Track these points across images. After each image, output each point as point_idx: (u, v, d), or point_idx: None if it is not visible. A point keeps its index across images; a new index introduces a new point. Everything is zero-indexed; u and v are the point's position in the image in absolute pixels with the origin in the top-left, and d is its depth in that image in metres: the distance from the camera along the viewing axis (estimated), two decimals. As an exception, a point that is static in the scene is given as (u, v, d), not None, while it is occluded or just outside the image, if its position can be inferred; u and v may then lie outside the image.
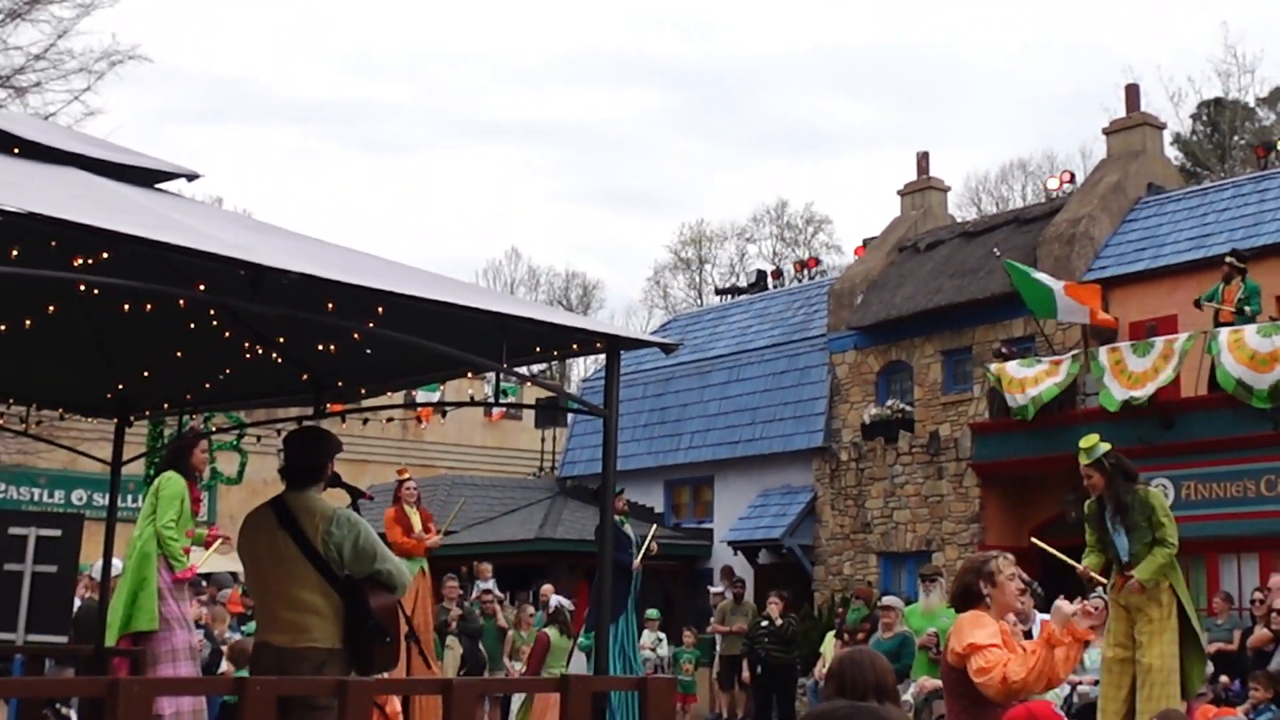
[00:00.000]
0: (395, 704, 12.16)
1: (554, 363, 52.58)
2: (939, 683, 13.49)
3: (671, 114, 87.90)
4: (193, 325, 8.34)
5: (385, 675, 7.73)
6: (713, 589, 25.93)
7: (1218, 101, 49.82)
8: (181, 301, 7.24)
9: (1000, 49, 79.62)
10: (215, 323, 8.43)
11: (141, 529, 10.93)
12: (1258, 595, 17.25)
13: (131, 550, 10.90)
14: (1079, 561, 11.44)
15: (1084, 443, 11.31)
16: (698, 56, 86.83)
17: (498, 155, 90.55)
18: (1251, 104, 50.17)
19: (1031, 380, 22.09)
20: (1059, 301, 21.92)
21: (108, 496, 10.67)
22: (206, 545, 11.83)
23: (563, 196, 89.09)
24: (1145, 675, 10.92)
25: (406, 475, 15.79)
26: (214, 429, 15.44)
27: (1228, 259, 20.59)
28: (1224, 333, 19.70)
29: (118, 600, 10.73)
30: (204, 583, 22.22)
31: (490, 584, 22.19)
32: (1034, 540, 11.87)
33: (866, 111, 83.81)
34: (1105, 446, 11.24)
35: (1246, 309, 19.98)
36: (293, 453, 7.60)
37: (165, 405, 10.70)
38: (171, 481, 11.02)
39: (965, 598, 7.50)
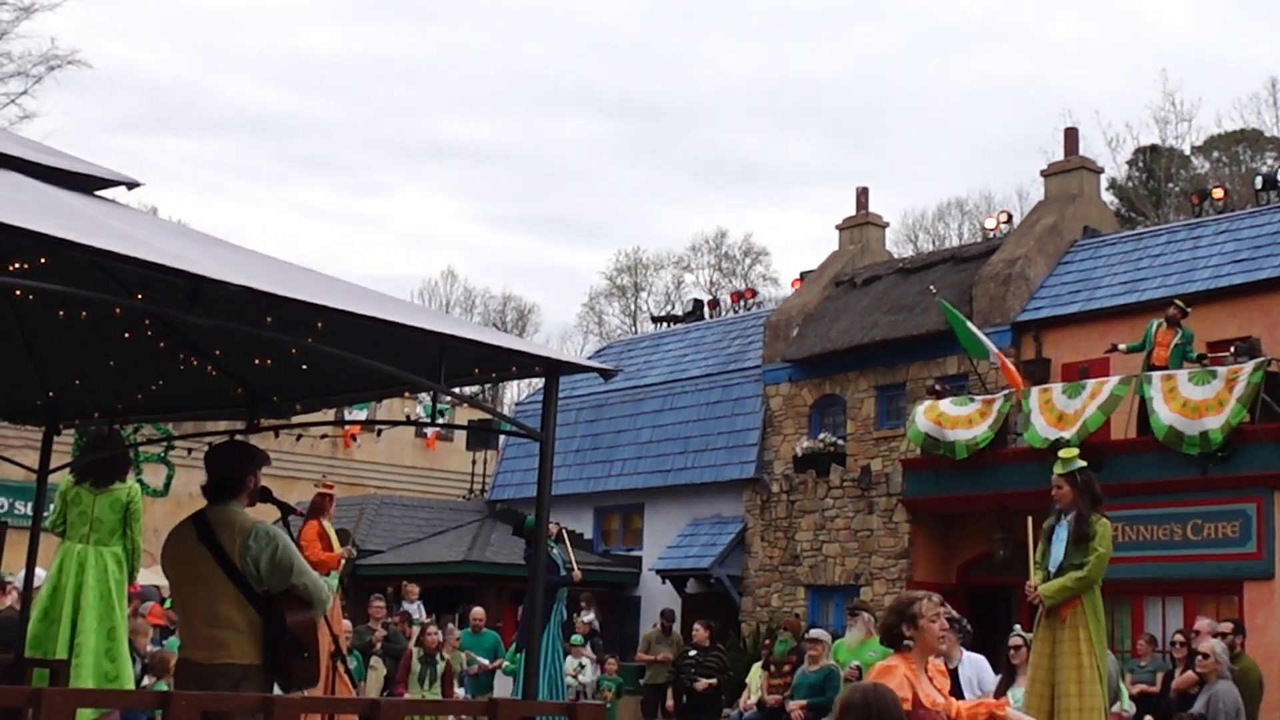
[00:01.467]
0: None
1: (489, 386, 52.47)
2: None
3: (614, 143, 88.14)
4: (128, 334, 8.25)
5: (305, 693, 7.65)
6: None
7: (1154, 148, 50.37)
8: (117, 310, 7.17)
9: (943, 91, 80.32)
10: (150, 332, 8.35)
11: (99, 553, 10.75)
12: (1179, 637, 17.38)
13: (84, 572, 10.68)
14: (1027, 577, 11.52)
15: (1064, 454, 11.48)
16: (644, 88, 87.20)
17: (438, 177, 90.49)
18: (1187, 152, 50.78)
19: (965, 420, 22.22)
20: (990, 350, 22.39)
21: (31, 505, 10.53)
22: None
23: (502, 220, 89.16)
24: (1061, 705, 10.96)
25: (331, 489, 15.70)
26: (142, 440, 15.29)
27: (1175, 302, 20.89)
28: (1157, 380, 19.89)
29: (89, 624, 10.54)
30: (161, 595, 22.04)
31: (415, 605, 22.06)
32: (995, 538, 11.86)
33: (808, 147, 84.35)
34: (1081, 463, 11.40)
35: (1186, 359, 20.34)
36: (214, 466, 7.52)
37: (96, 414, 10.57)
38: (139, 493, 10.90)
39: (889, 638, 7.50)
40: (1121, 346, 21.21)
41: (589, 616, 22.48)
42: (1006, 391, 22.35)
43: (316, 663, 7.42)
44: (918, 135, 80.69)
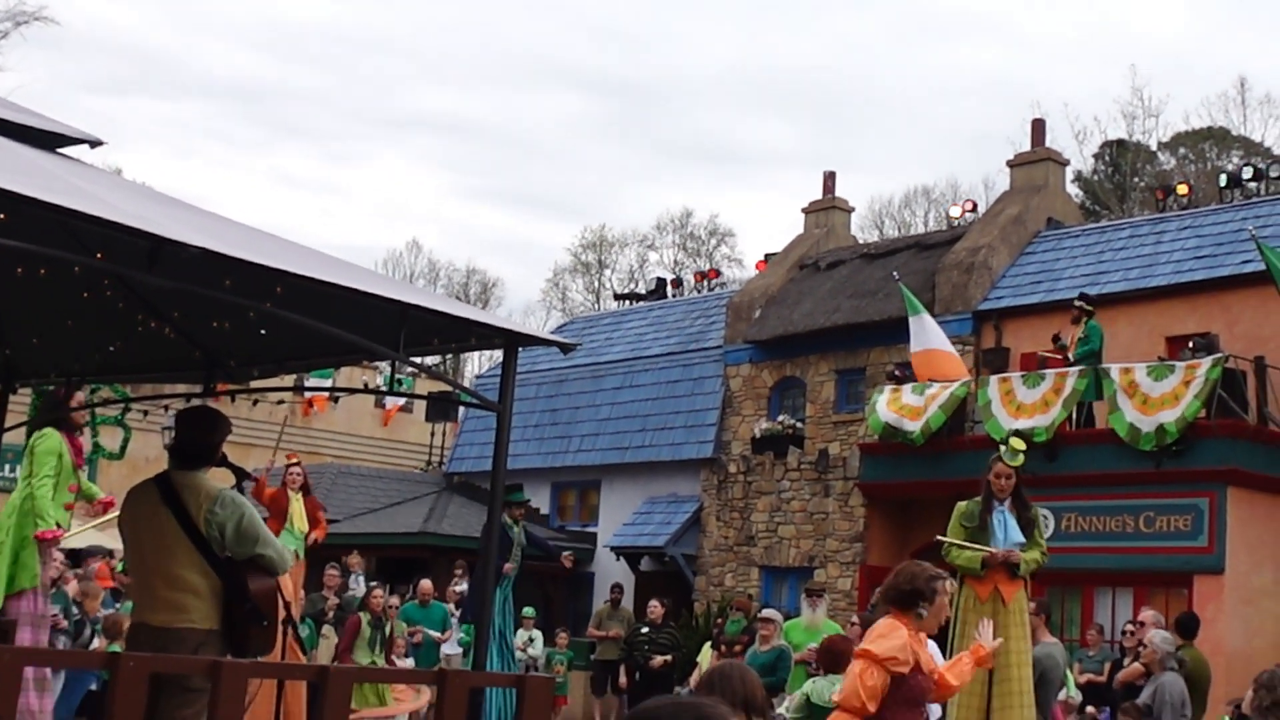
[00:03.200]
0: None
1: (448, 357, 52.36)
2: (816, 698, 13.58)
3: (587, 120, 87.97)
4: (86, 294, 8.21)
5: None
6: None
7: (1120, 143, 50.55)
8: (76, 269, 7.13)
9: (916, 80, 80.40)
10: (110, 293, 8.31)
11: (20, 490, 10.68)
12: (1129, 627, 17.50)
13: (10, 511, 10.63)
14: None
15: (1015, 445, 11.53)
16: (622, 66, 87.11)
17: (408, 148, 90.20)
18: (1154, 147, 50.96)
19: (920, 408, 22.30)
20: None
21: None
22: (104, 512, 11.56)
23: (472, 193, 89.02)
24: (1002, 689, 11.03)
25: (295, 460, 15.69)
26: (98, 401, 15.20)
27: (1076, 302, 21.13)
28: (1116, 374, 19.98)
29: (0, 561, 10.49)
30: (111, 555, 21.91)
31: (355, 576, 21.99)
32: (939, 539, 11.98)
33: (779, 131, 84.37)
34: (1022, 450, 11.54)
35: (1073, 356, 20.73)
36: (185, 431, 7.50)
37: (52, 374, 10.52)
38: (45, 437, 10.71)
39: (902, 601, 7.60)
40: (1061, 342, 21.45)
41: (461, 587, 22.31)
42: (964, 379, 22.46)
43: (275, 631, 7.42)
44: (889, 122, 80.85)
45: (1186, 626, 15.98)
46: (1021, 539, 11.27)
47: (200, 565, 7.10)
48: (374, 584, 19.19)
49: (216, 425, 7.55)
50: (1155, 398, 19.52)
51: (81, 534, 11.95)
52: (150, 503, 7.24)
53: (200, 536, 7.10)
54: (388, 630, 17.07)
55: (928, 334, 23.03)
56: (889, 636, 7.39)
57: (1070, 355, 20.94)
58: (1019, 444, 11.59)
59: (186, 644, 6.96)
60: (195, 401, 8.64)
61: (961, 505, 11.67)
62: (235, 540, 7.13)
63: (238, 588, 7.12)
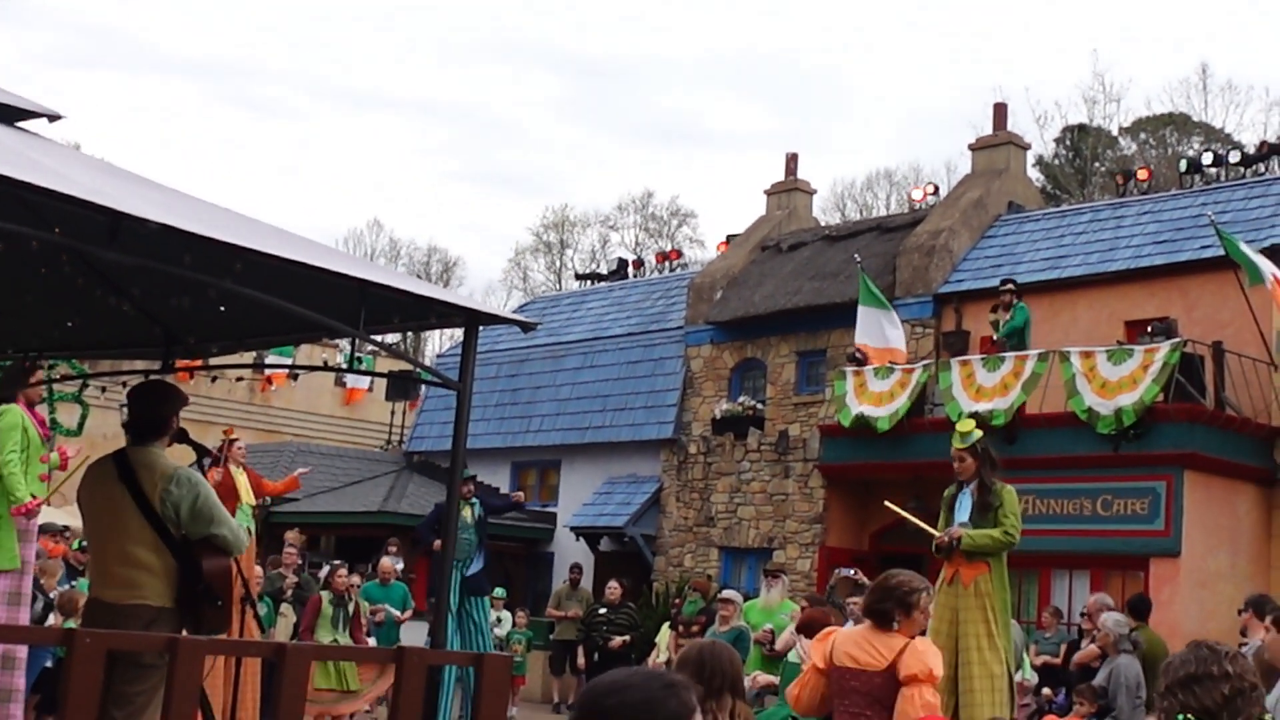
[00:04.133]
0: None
1: (409, 336, 52.28)
2: (772, 678, 13.63)
3: (550, 100, 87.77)
4: (44, 270, 8.15)
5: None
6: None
7: (1082, 127, 50.73)
8: (35, 243, 7.09)
9: (879, 64, 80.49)
10: (68, 269, 8.26)
11: None
12: (1089, 605, 17.70)
13: None
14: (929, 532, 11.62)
15: (961, 427, 11.52)
16: (588, 47, 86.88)
17: (372, 126, 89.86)
18: (1115, 132, 51.15)
19: (887, 395, 22.36)
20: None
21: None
22: (62, 467, 11.48)
23: (432, 172, 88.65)
24: (967, 682, 11.01)
25: (234, 436, 15.58)
26: (56, 376, 15.11)
27: (1003, 287, 21.31)
28: (1077, 358, 20.07)
29: None
30: (66, 530, 21.77)
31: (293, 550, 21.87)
32: (887, 504, 12.02)
33: (740, 113, 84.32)
34: (979, 433, 11.46)
35: (997, 337, 21.09)
36: (137, 406, 7.47)
37: (9, 350, 10.45)
38: (8, 413, 10.64)
39: (875, 616, 7.60)
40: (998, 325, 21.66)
41: (399, 564, 22.25)
42: (925, 362, 22.55)
43: (229, 610, 7.41)
44: (852, 106, 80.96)
45: (1137, 608, 16.13)
46: (967, 520, 11.24)
47: (154, 543, 7.09)
48: (337, 562, 19.12)
49: (168, 398, 7.52)
50: (1113, 381, 19.62)
51: (59, 489, 11.74)
52: (107, 480, 7.22)
53: (155, 514, 7.08)
54: (351, 609, 17.02)
55: (868, 331, 23.34)
56: (939, 657, 7.49)
57: (994, 336, 21.21)
58: (965, 425, 11.60)
59: (139, 620, 6.94)
60: (153, 377, 8.61)
61: (948, 489, 11.71)
62: (190, 519, 7.12)
63: (192, 567, 7.10)
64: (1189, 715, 4.05)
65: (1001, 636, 11.18)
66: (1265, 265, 19.52)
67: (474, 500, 17.20)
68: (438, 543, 16.08)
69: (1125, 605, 16.37)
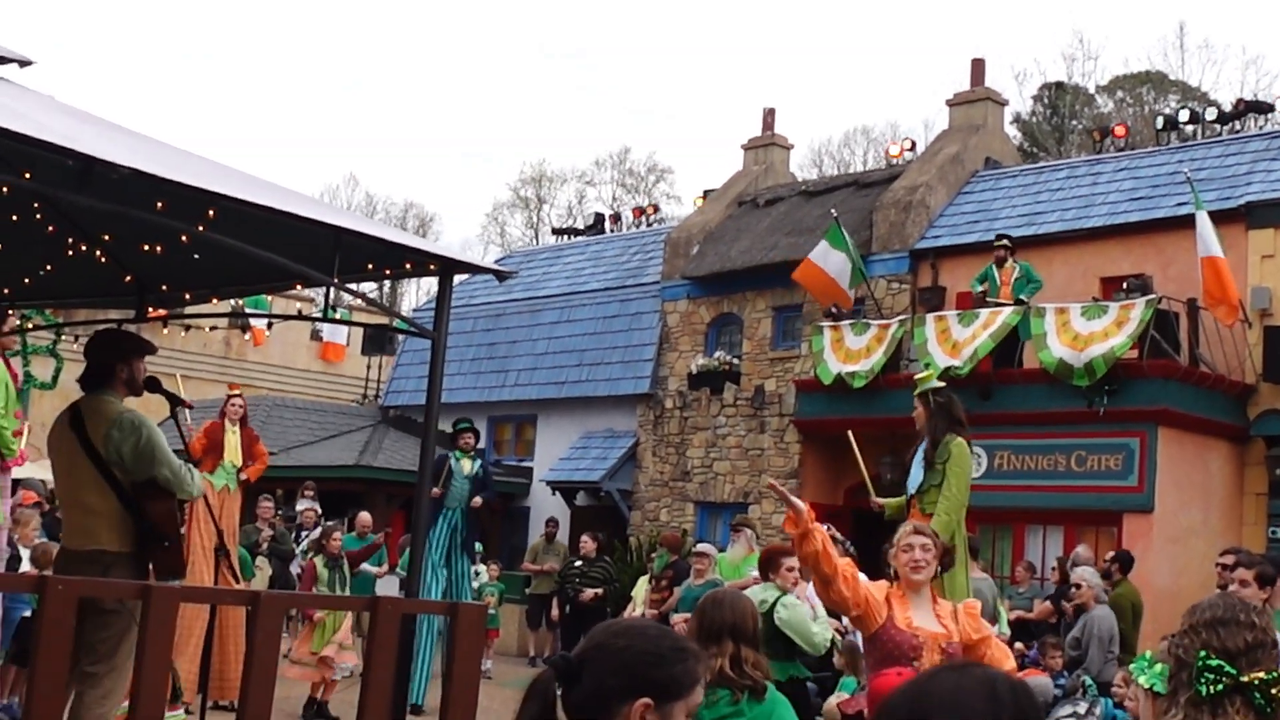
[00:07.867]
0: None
1: (385, 289, 52.10)
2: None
3: (528, 56, 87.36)
4: (15, 217, 8.11)
5: (178, 583, 7.63)
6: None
7: (1059, 85, 50.72)
8: (4, 189, 7.03)
9: (857, 20, 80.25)
10: (40, 216, 8.21)
11: None
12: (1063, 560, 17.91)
13: None
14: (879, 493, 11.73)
15: (919, 376, 11.55)
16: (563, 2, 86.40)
17: (346, 81, 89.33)
18: (1092, 90, 51.15)
19: (864, 351, 22.37)
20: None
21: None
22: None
23: (408, 128, 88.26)
24: None
25: (237, 391, 15.54)
26: (29, 327, 15.01)
27: (997, 242, 21.30)
28: (1050, 312, 20.10)
29: None
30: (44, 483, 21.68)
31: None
32: (849, 434, 12.06)
33: (719, 67, 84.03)
34: (938, 384, 11.43)
35: (1024, 296, 20.87)
36: (88, 354, 7.51)
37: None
38: None
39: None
40: (975, 283, 21.58)
41: (311, 505, 22.41)
42: (901, 317, 22.56)
43: (180, 553, 7.44)
44: (830, 62, 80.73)
45: (1124, 562, 16.49)
46: (921, 479, 11.16)
47: (102, 488, 7.16)
48: (330, 524, 19.06)
49: (116, 345, 7.52)
50: (1085, 335, 19.65)
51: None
52: (63, 430, 7.28)
53: (101, 459, 7.13)
54: (346, 571, 16.99)
55: (826, 260, 23.29)
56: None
57: (1009, 295, 21.05)
58: (924, 375, 11.61)
59: (96, 566, 6.99)
60: (130, 329, 8.56)
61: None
62: (133, 461, 7.15)
63: (136, 509, 7.14)
64: (1211, 653, 4.10)
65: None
66: (1211, 240, 19.55)
67: (477, 459, 17.21)
68: (436, 490, 16.13)
69: (1112, 560, 16.65)
